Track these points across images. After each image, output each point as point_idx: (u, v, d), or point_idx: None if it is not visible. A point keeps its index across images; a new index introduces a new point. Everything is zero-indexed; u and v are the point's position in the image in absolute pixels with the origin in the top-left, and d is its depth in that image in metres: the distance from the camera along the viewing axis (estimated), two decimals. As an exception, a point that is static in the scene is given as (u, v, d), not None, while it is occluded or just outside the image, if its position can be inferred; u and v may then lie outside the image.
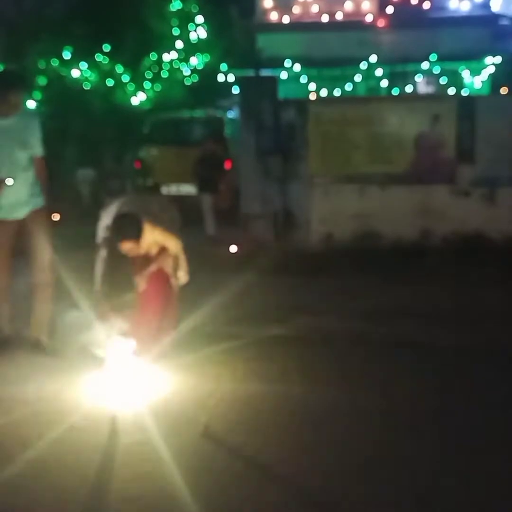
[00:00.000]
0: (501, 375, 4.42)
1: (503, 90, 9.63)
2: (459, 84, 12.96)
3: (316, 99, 8.70)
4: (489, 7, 13.13)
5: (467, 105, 8.30)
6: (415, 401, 3.99)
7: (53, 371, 4.44)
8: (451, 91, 12.54)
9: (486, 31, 12.65)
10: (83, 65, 12.40)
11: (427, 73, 13.00)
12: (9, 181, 4.75)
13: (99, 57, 12.54)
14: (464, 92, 12.51)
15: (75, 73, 12.26)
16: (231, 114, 12.38)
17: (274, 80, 8.77)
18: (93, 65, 12.49)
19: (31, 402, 3.96)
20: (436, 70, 12.94)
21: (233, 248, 8.65)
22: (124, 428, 3.61)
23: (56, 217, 6.96)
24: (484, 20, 12.82)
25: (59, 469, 3.22)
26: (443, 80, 13.02)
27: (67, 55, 12.17)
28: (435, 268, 7.32)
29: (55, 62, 12.16)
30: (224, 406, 3.92)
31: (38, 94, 12.14)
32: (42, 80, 12.07)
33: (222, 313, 5.65)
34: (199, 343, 4.86)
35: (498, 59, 12.50)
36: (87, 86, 12.29)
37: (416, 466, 3.23)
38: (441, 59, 12.65)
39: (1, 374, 4.45)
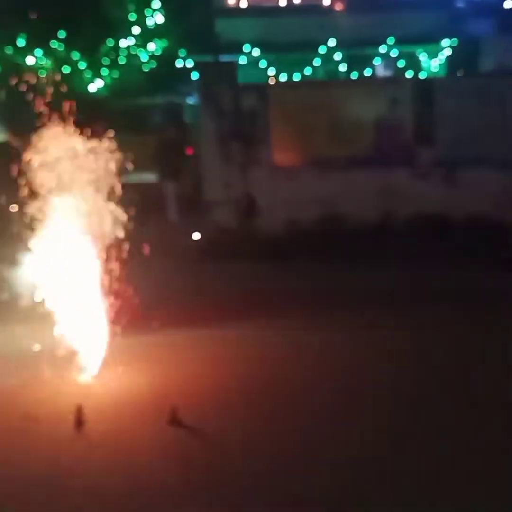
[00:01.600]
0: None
1: (459, 72, 9.73)
2: (417, 67, 13.07)
3: (276, 84, 8.66)
4: (445, -10, 13.24)
5: (425, 88, 8.36)
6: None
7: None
8: (409, 74, 12.65)
9: (442, 14, 12.75)
10: (38, 52, 12.15)
11: (385, 57, 13.08)
12: None
13: (54, 44, 12.30)
14: (422, 75, 12.64)
15: (30, 60, 12.01)
16: (191, 100, 12.29)
17: (234, 65, 8.72)
18: (49, 52, 12.25)
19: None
20: (394, 53, 13.03)
21: (196, 236, 8.62)
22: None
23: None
24: (440, 3, 12.92)
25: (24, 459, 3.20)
26: (401, 63, 13.12)
27: (21, 42, 11.90)
28: (396, 250, 7.41)
29: (9, 50, 11.89)
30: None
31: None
32: (-4, 68, 11.82)
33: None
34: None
35: (454, 42, 12.63)
36: (42, 74, 12.04)
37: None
38: (398, 42, 12.74)
39: None
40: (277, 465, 3.12)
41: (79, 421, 3.51)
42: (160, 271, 6.81)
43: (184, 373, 4.24)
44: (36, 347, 4.53)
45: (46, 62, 12.30)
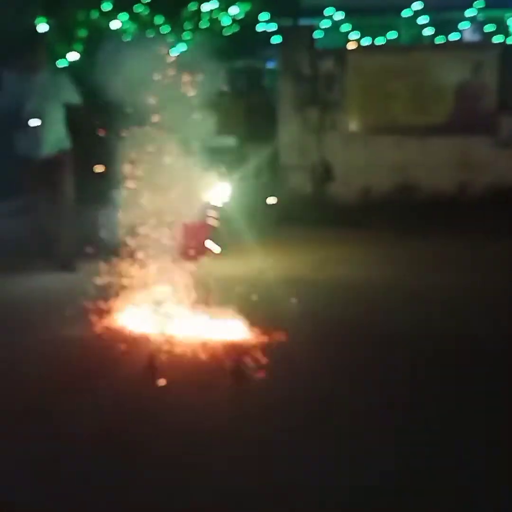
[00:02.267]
0: None
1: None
2: (506, 32, 12.57)
3: (354, 49, 8.54)
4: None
5: (510, 54, 8.08)
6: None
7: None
8: (497, 39, 12.17)
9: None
10: (123, 16, 12.37)
11: (473, 21, 12.63)
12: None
13: (138, 8, 12.48)
14: (511, 40, 12.15)
15: (115, 24, 12.24)
16: (271, 65, 12.27)
17: (312, 29, 8.64)
18: (133, 16, 12.45)
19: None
20: (482, 17, 12.56)
21: (271, 200, 8.69)
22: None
23: (99, 168, 7.19)
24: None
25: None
26: (489, 28, 12.64)
27: (107, 6, 12.15)
28: (472, 222, 7.29)
29: (95, 14, 12.16)
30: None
31: (79, 46, 12.19)
32: (82, 32, 12.10)
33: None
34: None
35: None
36: (127, 38, 12.28)
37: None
38: (487, 6, 12.27)
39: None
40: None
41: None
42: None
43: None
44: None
45: (131, 26, 12.53)
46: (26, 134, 5.99)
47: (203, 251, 5.28)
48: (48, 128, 6.03)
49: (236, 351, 3.97)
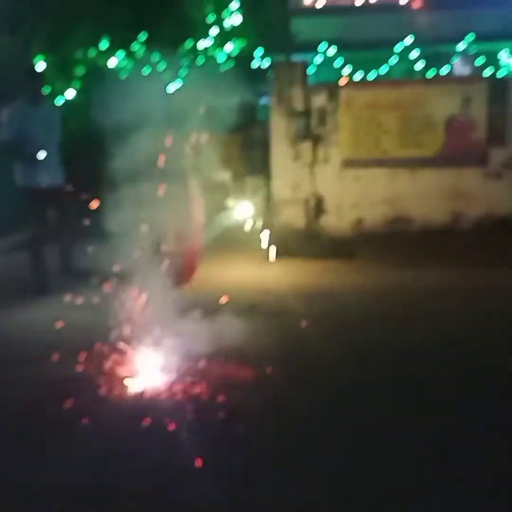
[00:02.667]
0: None
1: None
2: (496, 65, 12.78)
3: (346, 84, 8.70)
4: (528, -16, 12.88)
5: (499, 87, 8.22)
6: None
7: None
8: (488, 72, 12.39)
9: (524, 10, 12.42)
10: (120, 54, 12.60)
11: (464, 54, 12.84)
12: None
13: (135, 46, 12.72)
14: (501, 73, 12.36)
15: (112, 62, 12.47)
16: (264, 100, 12.45)
17: (305, 64, 8.80)
18: (130, 54, 12.68)
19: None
20: (473, 51, 12.78)
21: (265, 233, 8.79)
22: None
23: (94, 205, 7.50)
24: (523, -1, 12.59)
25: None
26: (479, 61, 12.85)
27: (104, 45, 12.39)
28: (465, 251, 7.36)
29: (92, 53, 12.40)
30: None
31: (77, 84, 12.41)
32: (80, 70, 12.33)
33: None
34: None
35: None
36: (123, 75, 12.50)
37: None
38: (477, 39, 12.49)
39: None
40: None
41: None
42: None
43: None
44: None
45: (128, 64, 12.75)
46: (31, 165, 6.27)
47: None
48: (48, 160, 6.33)
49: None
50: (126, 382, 4.11)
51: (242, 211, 9.02)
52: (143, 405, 3.80)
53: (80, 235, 6.81)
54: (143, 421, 3.55)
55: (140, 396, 3.94)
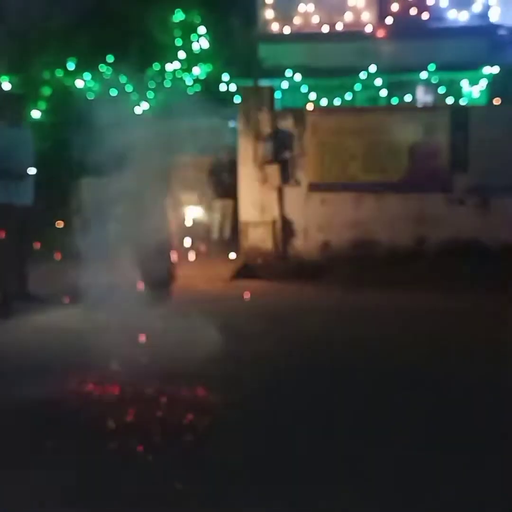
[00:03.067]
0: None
1: (496, 101, 9.78)
2: (458, 94, 13.10)
3: (313, 109, 8.84)
4: (488, 17, 13.29)
5: (461, 115, 8.44)
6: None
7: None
8: (450, 100, 12.69)
9: (484, 41, 12.79)
10: (87, 75, 12.61)
11: (426, 83, 13.15)
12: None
13: (102, 68, 12.74)
14: (463, 102, 12.67)
15: (79, 83, 12.47)
16: (232, 123, 12.55)
17: (271, 89, 8.93)
18: (97, 75, 12.70)
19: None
20: (435, 79, 13.09)
21: (232, 256, 8.83)
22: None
23: (60, 224, 7.64)
24: (482, 30, 12.97)
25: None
26: (441, 90, 13.17)
27: (71, 66, 12.39)
28: (428, 274, 7.49)
29: (59, 73, 12.38)
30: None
31: (42, 104, 12.35)
32: (46, 91, 12.29)
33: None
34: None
35: (496, 69, 12.64)
36: (91, 96, 12.49)
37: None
38: (439, 68, 12.79)
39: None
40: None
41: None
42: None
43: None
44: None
45: (95, 85, 12.75)
46: (6, 184, 6.35)
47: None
48: (24, 180, 6.50)
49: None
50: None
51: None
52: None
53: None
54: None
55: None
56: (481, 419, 3.83)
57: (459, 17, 13.37)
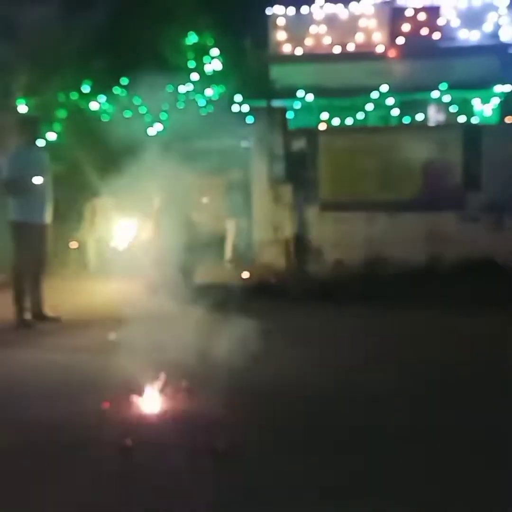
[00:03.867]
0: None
1: (508, 119, 9.80)
2: (470, 112, 13.12)
3: (325, 129, 8.91)
4: (498, 36, 13.34)
5: (474, 134, 8.48)
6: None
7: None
8: (462, 119, 12.72)
9: (495, 60, 12.82)
10: (102, 97, 12.77)
11: (438, 102, 13.18)
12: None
13: (117, 90, 12.91)
14: (474, 120, 12.69)
15: (93, 106, 12.63)
16: (245, 143, 12.65)
17: (284, 110, 9.01)
18: (111, 97, 12.86)
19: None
20: (447, 98, 13.12)
21: (245, 274, 8.86)
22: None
23: (74, 244, 7.86)
24: (494, 50, 13.01)
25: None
26: (453, 109, 13.19)
27: (86, 88, 12.55)
28: (441, 293, 7.47)
29: (74, 96, 12.55)
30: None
31: (58, 126, 12.51)
32: (62, 113, 12.45)
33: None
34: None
35: (507, 88, 12.65)
36: (105, 118, 12.65)
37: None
38: (451, 87, 12.82)
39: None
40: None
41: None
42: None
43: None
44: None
45: (109, 107, 12.91)
46: (27, 203, 6.65)
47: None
48: (42, 199, 6.76)
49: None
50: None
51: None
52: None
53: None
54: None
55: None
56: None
57: (470, 36, 13.43)
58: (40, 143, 10.68)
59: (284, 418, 4.20)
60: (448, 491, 3.27)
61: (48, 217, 6.90)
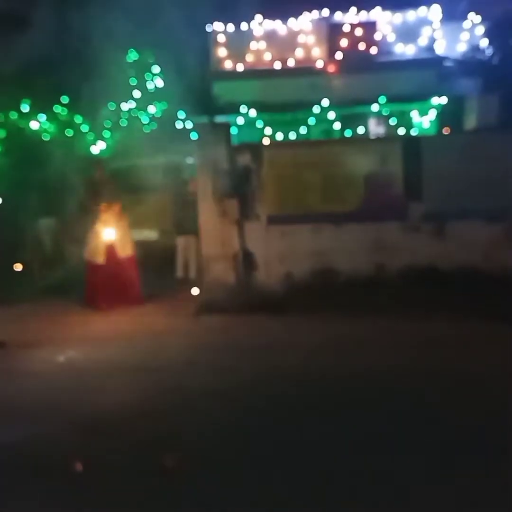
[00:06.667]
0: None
1: (445, 130, 10.10)
2: (408, 124, 13.48)
3: (269, 144, 9.00)
4: (434, 50, 13.78)
5: (413, 145, 8.68)
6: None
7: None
8: (401, 131, 13.05)
9: (431, 73, 13.24)
10: (42, 116, 12.60)
11: (378, 114, 13.50)
12: None
13: (57, 109, 12.75)
14: (413, 132, 13.04)
15: (34, 125, 12.45)
16: (190, 159, 12.65)
17: (228, 126, 9.07)
18: (52, 116, 12.69)
19: None
20: (386, 111, 13.46)
21: (195, 290, 8.84)
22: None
23: (18, 267, 7.64)
24: (430, 63, 13.43)
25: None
26: (393, 121, 13.53)
27: (25, 107, 12.36)
28: (388, 301, 7.60)
29: (13, 115, 12.34)
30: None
31: (-3, 147, 12.29)
32: (1, 133, 12.23)
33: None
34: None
35: (444, 100, 13.06)
36: (46, 137, 12.48)
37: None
38: (390, 100, 13.17)
39: None
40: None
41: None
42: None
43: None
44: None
45: (50, 126, 12.74)
46: None
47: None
48: None
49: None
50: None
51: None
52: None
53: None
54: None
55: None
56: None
57: (406, 50, 13.83)
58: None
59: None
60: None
61: None
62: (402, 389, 4.97)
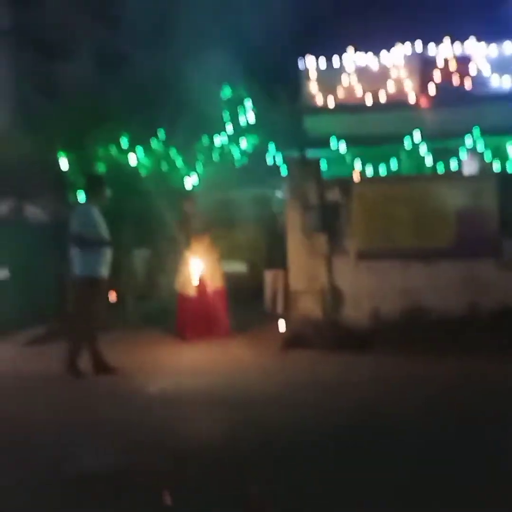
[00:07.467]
0: None
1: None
2: (504, 158, 13.13)
3: (359, 180, 9.00)
4: (529, 81, 13.42)
5: (508, 180, 8.47)
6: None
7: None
8: (496, 164, 12.73)
9: (528, 105, 12.88)
10: (139, 151, 13.07)
11: (471, 148, 13.23)
12: None
13: (154, 143, 13.21)
14: (509, 165, 12.68)
15: (132, 158, 12.92)
16: (279, 193, 12.80)
17: (318, 161, 9.13)
18: (148, 150, 13.15)
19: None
20: (480, 144, 13.18)
21: (281, 324, 8.88)
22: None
23: (113, 297, 8.06)
24: (526, 94, 13.09)
25: None
26: (487, 154, 13.22)
27: (124, 142, 12.87)
28: (480, 341, 7.40)
29: (113, 150, 12.86)
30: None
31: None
32: (101, 167, 12.76)
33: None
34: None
35: (541, 132, 12.67)
36: (143, 171, 12.92)
37: None
38: (484, 134, 12.89)
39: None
40: None
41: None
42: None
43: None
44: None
45: (146, 160, 13.20)
46: (94, 257, 6.99)
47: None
48: (104, 254, 7.13)
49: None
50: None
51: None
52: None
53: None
54: None
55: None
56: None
57: (502, 82, 13.54)
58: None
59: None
60: None
61: (107, 271, 7.21)
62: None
